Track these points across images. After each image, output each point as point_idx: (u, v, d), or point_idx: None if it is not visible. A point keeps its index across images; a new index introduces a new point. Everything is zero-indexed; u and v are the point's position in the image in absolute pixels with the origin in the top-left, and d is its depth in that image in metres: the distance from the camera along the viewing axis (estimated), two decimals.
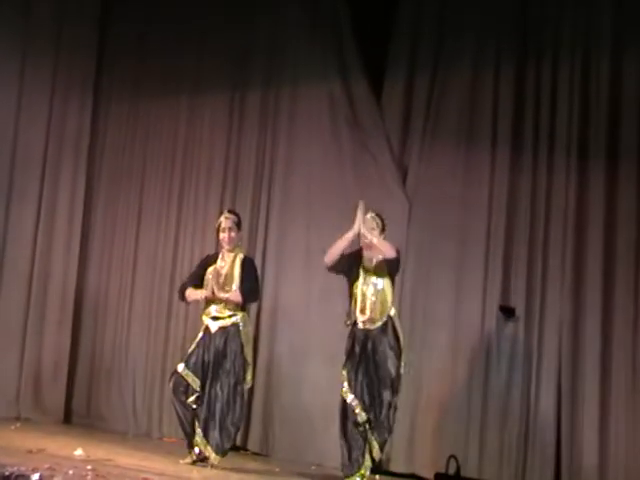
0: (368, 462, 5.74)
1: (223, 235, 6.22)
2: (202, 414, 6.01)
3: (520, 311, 6.57)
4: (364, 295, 5.87)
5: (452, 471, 6.33)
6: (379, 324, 5.83)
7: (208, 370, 6.06)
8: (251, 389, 7.23)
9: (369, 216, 5.91)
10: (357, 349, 5.81)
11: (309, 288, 7.20)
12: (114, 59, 8.37)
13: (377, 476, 6.25)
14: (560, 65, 6.68)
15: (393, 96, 7.28)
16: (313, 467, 6.60)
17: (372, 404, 5.72)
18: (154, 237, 8.04)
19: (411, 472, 6.68)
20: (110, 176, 8.33)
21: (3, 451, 5.53)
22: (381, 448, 5.79)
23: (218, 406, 6.02)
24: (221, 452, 6.03)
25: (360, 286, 5.89)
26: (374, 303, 5.84)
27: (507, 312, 6.59)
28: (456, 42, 7.05)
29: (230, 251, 6.24)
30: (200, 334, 6.17)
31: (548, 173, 6.63)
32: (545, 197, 6.62)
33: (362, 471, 5.73)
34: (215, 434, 6.00)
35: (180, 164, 8.04)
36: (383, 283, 5.87)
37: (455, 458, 6.32)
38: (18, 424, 7.23)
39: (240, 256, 6.25)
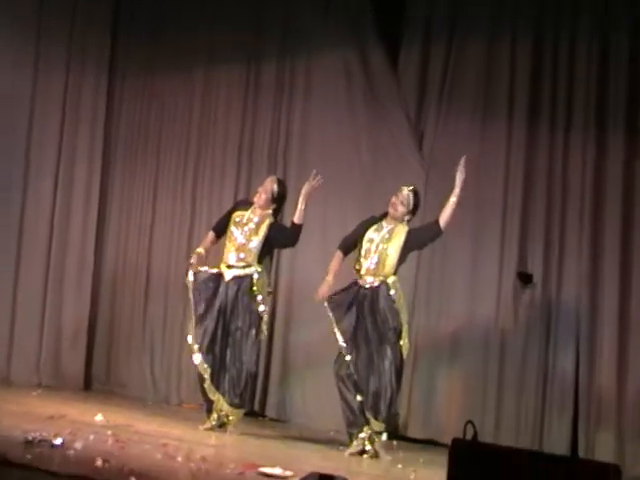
0: (370, 419, 5.73)
1: (260, 193, 6.25)
2: (215, 367, 6.07)
3: (537, 277, 6.57)
4: (371, 241, 5.87)
5: (469, 437, 6.35)
6: (376, 284, 5.81)
7: (219, 322, 6.10)
8: (268, 356, 7.32)
9: (406, 191, 5.89)
10: (354, 308, 5.81)
11: (326, 263, 7.17)
12: (128, 35, 8.31)
13: (394, 442, 6.30)
14: (578, 35, 6.60)
15: (409, 66, 7.23)
16: (331, 432, 6.64)
17: (369, 372, 5.73)
18: (170, 209, 8.04)
19: (428, 438, 6.73)
20: (126, 151, 8.32)
21: (25, 417, 5.60)
22: (386, 412, 5.72)
23: (229, 358, 6.08)
24: (233, 403, 6.06)
25: (370, 233, 5.89)
26: (381, 254, 5.82)
27: (525, 278, 6.59)
28: (473, 11, 6.98)
29: (262, 209, 6.26)
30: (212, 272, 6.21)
31: (565, 141, 6.58)
32: (562, 164, 6.58)
33: (365, 429, 5.74)
34: (227, 385, 6.05)
35: (196, 138, 8.02)
36: (392, 247, 5.86)
37: (472, 424, 6.34)
38: (39, 391, 7.30)
39: (269, 220, 6.25)
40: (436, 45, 7.13)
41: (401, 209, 5.89)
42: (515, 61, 6.81)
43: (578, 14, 6.61)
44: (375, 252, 5.86)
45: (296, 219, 6.14)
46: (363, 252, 5.90)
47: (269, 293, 6.34)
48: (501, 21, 6.90)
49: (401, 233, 5.87)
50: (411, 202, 5.89)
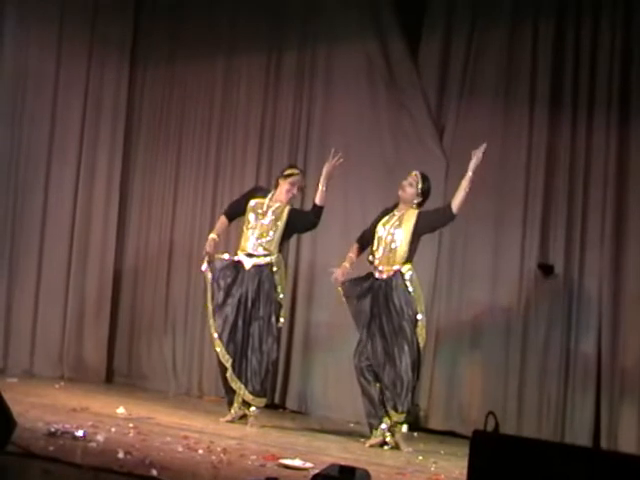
0: (389, 411, 5.73)
1: (289, 187, 6.22)
2: (237, 356, 6.07)
3: (559, 267, 6.54)
4: (383, 230, 5.87)
5: (491, 428, 6.33)
6: (391, 274, 5.80)
7: (240, 311, 6.10)
8: (289, 348, 7.33)
9: (414, 172, 5.90)
10: (369, 298, 5.81)
11: (347, 249, 7.17)
12: (150, 23, 8.34)
13: (415, 433, 6.30)
14: (601, 20, 6.55)
15: (430, 54, 7.21)
16: (351, 424, 6.65)
17: (385, 363, 5.73)
18: (192, 196, 8.07)
19: (449, 429, 6.71)
20: (148, 139, 8.35)
21: (48, 409, 5.63)
22: (403, 403, 5.70)
23: (250, 347, 6.08)
24: (255, 391, 6.06)
25: (381, 225, 5.90)
26: (392, 240, 5.82)
27: (546, 270, 6.56)
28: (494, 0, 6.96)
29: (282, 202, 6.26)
30: (226, 258, 6.21)
31: (588, 129, 6.55)
32: (585, 153, 6.56)
33: (385, 421, 5.74)
34: (248, 374, 6.06)
35: (217, 126, 8.04)
36: (402, 233, 5.84)
37: (494, 415, 6.32)
38: (62, 383, 7.35)
39: (288, 206, 6.25)
40: (457, 32, 7.10)
41: (409, 190, 5.88)
42: (536, 50, 6.77)
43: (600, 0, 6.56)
44: (386, 239, 5.84)
45: (317, 201, 6.12)
46: (375, 242, 5.89)
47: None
48: (522, 9, 6.85)
49: (411, 217, 5.85)
50: (419, 182, 5.87)
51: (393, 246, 5.82)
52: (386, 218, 5.94)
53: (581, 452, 3.56)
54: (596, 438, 6.25)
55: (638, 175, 6.36)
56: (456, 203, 5.75)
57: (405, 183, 5.90)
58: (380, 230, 5.90)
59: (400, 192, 5.92)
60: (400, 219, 5.87)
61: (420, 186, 5.88)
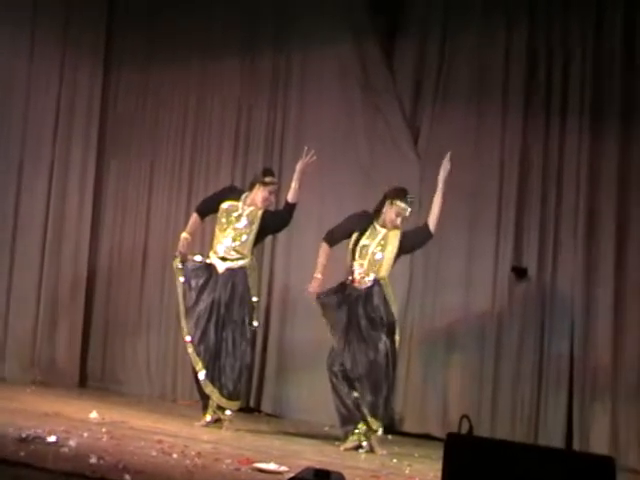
0: (367, 417, 5.73)
1: (267, 196, 6.15)
2: (210, 360, 6.04)
3: (532, 271, 6.57)
4: (366, 247, 5.86)
5: (465, 431, 6.35)
6: (370, 283, 5.80)
7: (212, 315, 6.06)
8: (264, 351, 7.31)
9: (408, 212, 5.87)
10: (345, 307, 5.81)
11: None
12: (124, 27, 8.30)
13: (389, 436, 6.30)
14: (572, 22, 6.61)
15: (404, 57, 7.25)
16: (326, 428, 6.64)
17: (364, 370, 5.73)
18: (166, 200, 8.03)
19: (424, 432, 6.73)
20: (122, 143, 8.30)
21: (20, 414, 5.58)
22: (384, 408, 5.74)
23: (224, 351, 6.06)
24: (228, 394, 6.04)
25: (365, 240, 5.88)
26: (377, 260, 5.82)
27: (519, 273, 6.60)
28: (466, 4, 6.98)
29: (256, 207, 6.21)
30: (198, 261, 6.17)
31: (560, 133, 6.60)
32: (558, 156, 6.60)
33: (360, 426, 5.75)
34: (222, 377, 6.03)
35: (191, 131, 8.02)
36: (388, 254, 5.84)
37: (468, 418, 6.34)
38: (34, 387, 7.29)
39: (261, 210, 6.20)
40: (432, 35, 7.13)
41: (399, 224, 5.88)
42: (509, 54, 6.82)
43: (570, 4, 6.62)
44: (371, 258, 5.84)
45: (290, 198, 6.10)
46: (357, 257, 5.87)
47: None
48: (494, 14, 6.89)
49: (395, 238, 5.86)
50: (408, 212, 5.88)
51: (378, 264, 5.83)
52: (368, 233, 5.89)
53: (554, 453, 3.59)
54: (569, 440, 6.29)
55: (610, 178, 6.40)
56: (432, 221, 5.82)
57: (395, 219, 5.83)
58: (363, 246, 5.85)
59: (389, 225, 5.86)
60: (385, 239, 5.86)
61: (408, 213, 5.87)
